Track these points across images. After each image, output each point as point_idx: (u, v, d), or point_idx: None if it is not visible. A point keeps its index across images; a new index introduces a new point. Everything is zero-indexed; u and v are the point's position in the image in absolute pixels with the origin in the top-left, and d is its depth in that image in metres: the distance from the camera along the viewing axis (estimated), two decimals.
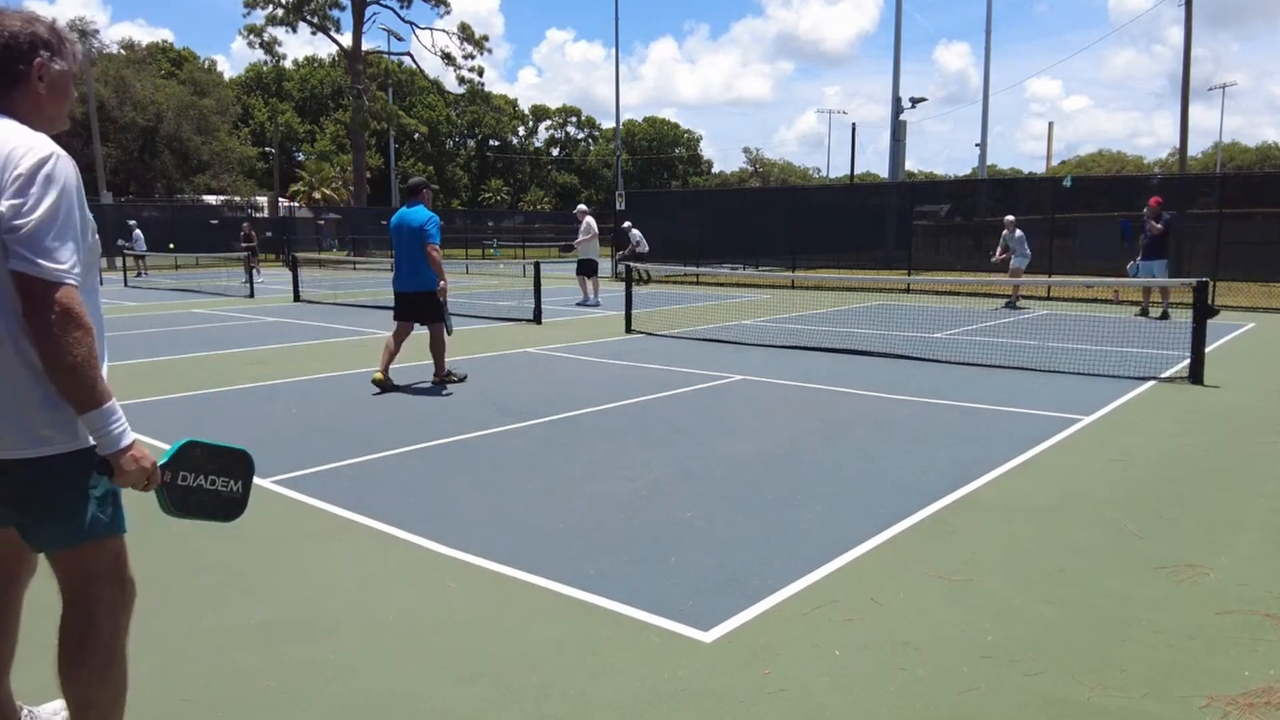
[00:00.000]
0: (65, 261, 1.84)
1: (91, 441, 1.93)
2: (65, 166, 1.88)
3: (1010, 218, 16.27)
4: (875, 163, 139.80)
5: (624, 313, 12.31)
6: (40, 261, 1.81)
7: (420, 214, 7.68)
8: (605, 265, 22.38)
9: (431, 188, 8.07)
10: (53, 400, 1.91)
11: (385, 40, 55.65)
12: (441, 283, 7.70)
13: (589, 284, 16.65)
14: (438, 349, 7.87)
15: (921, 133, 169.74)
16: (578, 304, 16.22)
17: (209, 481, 2.14)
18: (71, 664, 2.05)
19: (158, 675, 2.80)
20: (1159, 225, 13.46)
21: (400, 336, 7.85)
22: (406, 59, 48.95)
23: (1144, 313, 14.04)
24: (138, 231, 25.12)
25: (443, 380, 7.88)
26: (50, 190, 1.84)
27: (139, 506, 4.09)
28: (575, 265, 17.11)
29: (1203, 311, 7.92)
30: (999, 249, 16.14)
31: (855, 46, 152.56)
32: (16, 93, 1.96)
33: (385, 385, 7.54)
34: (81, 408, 1.88)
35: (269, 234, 37.30)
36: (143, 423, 6.35)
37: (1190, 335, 8.03)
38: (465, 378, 8.04)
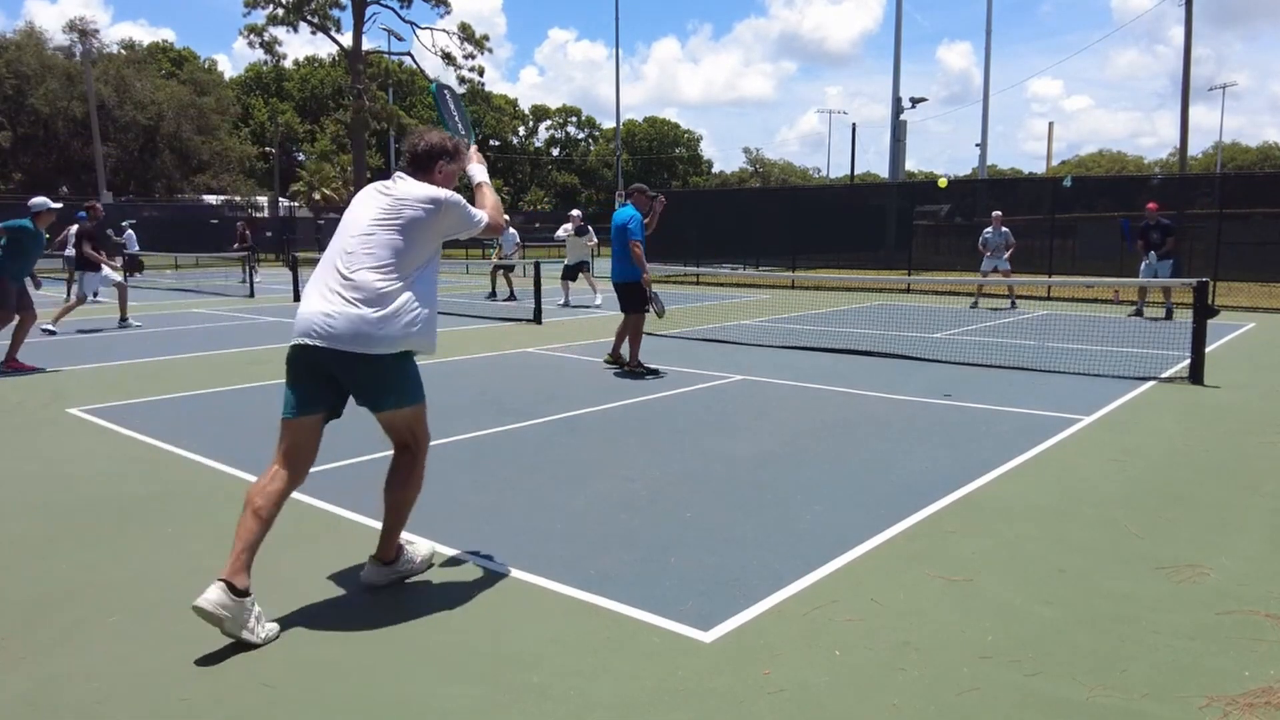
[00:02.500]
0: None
1: (407, 348, 3.29)
2: (453, 196, 3.39)
3: (997, 213, 15.53)
4: (877, 163, 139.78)
5: None
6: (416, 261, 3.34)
7: (624, 214, 8.55)
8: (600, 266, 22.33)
9: (646, 192, 8.87)
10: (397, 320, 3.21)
11: (386, 40, 55.62)
12: (645, 275, 8.52)
13: (569, 286, 17.00)
14: (627, 336, 8.68)
15: (924, 133, 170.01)
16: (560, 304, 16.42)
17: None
18: (400, 482, 3.47)
19: (158, 675, 2.80)
20: (1155, 233, 13.57)
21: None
22: (407, 59, 48.94)
23: (1168, 315, 13.60)
24: (130, 232, 25.11)
25: (632, 368, 8.55)
26: (437, 205, 3.33)
27: (142, 514, 4.09)
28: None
29: (1203, 311, 7.92)
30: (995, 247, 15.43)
31: (858, 46, 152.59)
32: (427, 174, 3.46)
33: (618, 362, 8.80)
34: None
35: (268, 234, 37.30)
36: (142, 422, 6.35)
37: (1190, 335, 8.04)
38: (657, 373, 8.49)
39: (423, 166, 3.45)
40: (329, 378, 3.22)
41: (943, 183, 21.68)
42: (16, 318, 8.94)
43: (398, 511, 3.47)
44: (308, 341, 3.14)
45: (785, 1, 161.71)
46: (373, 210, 3.29)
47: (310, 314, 3.16)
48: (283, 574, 3.64)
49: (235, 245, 22.75)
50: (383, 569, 3.50)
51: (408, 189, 3.33)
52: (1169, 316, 13.43)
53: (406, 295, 3.20)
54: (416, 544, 3.67)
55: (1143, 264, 13.98)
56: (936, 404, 7.05)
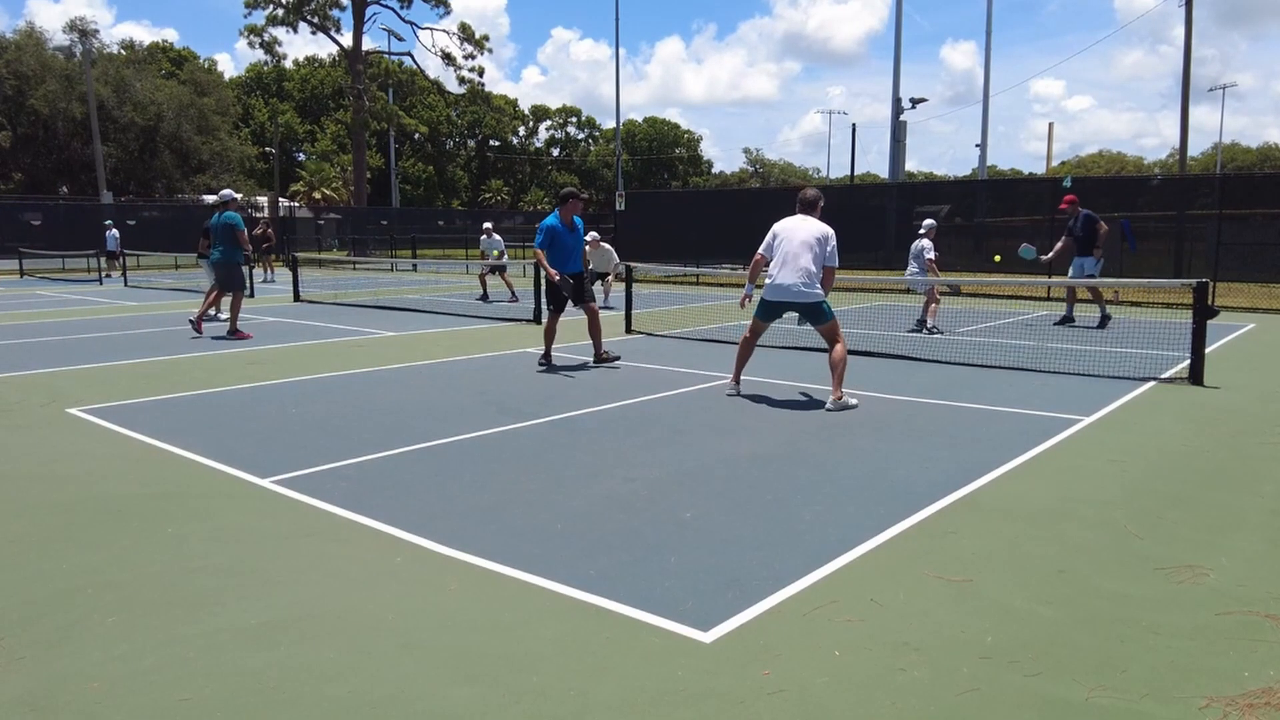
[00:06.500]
0: (837, 260, 7.08)
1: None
2: (832, 232, 7.01)
3: (929, 221, 12.29)
4: (878, 163, 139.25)
5: (624, 313, 12.32)
6: (833, 263, 7.01)
7: (551, 218, 8.96)
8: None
9: (580, 196, 9.22)
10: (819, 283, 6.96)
11: (386, 40, 55.62)
12: (552, 274, 8.98)
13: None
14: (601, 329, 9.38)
15: (926, 133, 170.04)
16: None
17: None
18: (832, 356, 6.89)
19: (158, 675, 2.80)
20: (1074, 232, 12.06)
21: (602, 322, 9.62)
22: (407, 59, 48.95)
23: (1067, 319, 12.52)
24: (113, 231, 25.32)
25: (600, 359, 9.20)
26: (832, 241, 7.00)
27: (142, 514, 4.08)
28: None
29: (1203, 312, 7.92)
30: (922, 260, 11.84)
31: (863, 46, 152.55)
32: (815, 214, 7.12)
33: (606, 360, 9.27)
34: (829, 288, 7.01)
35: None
36: (142, 422, 6.35)
37: (1190, 336, 8.04)
38: (617, 357, 9.36)
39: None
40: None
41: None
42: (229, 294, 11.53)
43: (836, 370, 6.81)
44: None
45: (790, 1, 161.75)
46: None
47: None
48: (281, 574, 3.64)
49: (263, 246, 23.22)
50: (834, 403, 6.75)
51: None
52: (1068, 320, 12.55)
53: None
54: (851, 398, 6.94)
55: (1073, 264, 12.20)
56: (937, 404, 7.05)
